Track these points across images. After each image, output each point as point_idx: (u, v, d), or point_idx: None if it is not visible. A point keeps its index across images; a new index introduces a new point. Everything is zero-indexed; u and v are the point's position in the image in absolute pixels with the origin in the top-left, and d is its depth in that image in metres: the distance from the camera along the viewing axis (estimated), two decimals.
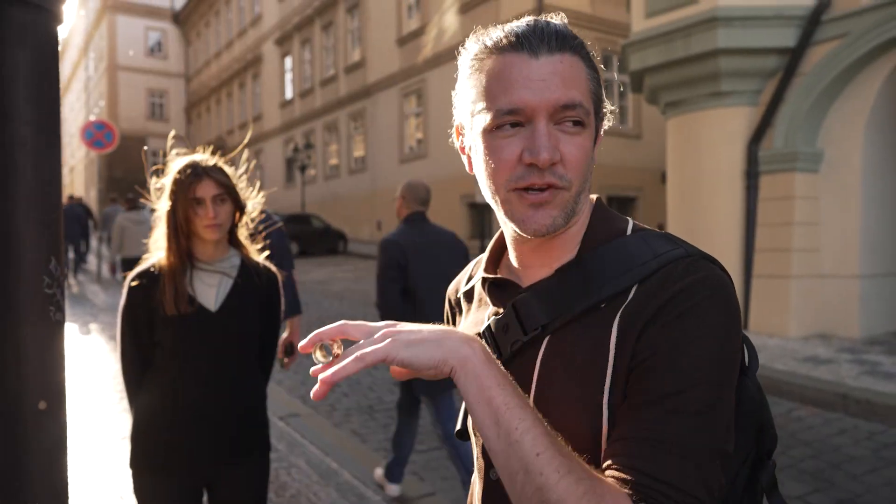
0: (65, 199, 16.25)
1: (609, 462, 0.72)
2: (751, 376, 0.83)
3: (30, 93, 0.70)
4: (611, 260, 0.83)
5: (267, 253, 2.19)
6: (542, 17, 0.85)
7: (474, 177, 0.89)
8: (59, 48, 0.75)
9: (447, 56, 16.47)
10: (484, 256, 1.01)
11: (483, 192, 0.88)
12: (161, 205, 1.95)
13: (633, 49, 8.03)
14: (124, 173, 34.44)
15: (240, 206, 2.01)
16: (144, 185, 2.05)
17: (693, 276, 0.77)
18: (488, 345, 0.89)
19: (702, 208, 7.71)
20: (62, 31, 0.77)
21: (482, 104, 0.82)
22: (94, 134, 12.87)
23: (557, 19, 0.85)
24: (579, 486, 0.66)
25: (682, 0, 7.39)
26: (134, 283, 1.95)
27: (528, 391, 0.82)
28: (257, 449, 2.07)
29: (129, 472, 1.98)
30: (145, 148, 2.61)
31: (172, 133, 2.23)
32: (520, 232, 0.84)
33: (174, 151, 2.01)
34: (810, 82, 6.93)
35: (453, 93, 0.91)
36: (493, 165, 0.82)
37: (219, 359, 1.96)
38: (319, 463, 3.97)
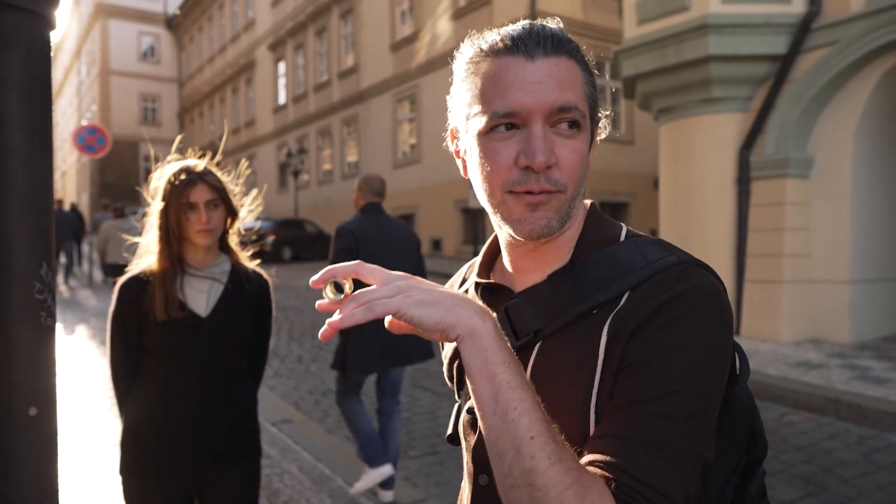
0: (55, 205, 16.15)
1: (592, 458, 0.72)
2: (741, 384, 0.83)
3: (22, 98, 0.70)
4: (604, 266, 0.83)
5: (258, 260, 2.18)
6: (538, 21, 0.85)
7: (468, 182, 0.89)
8: (52, 53, 0.75)
9: (440, 62, 16.50)
10: (477, 260, 1.01)
11: (478, 196, 0.87)
12: (153, 208, 1.95)
13: (625, 55, 8.08)
14: (116, 178, 34.32)
15: (232, 212, 2.01)
16: (136, 189, 2.04)
17: (686, 284, 0.77)
18: None
19: (694, 214, 7.75)
20: (54, 36, 0.77)
21: (477, 107, 0.82)
22: (87, 138, 12.83)
23: (553, 23, 0.85)
24: (568, 475, 0.66)
25: (674, 7, 7.45)
26: (124, 288, 1.94)
27: None
28: (248, 454, 2.06)
29: (119, 478, 1.96)
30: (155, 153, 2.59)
31: (179, 137, 2.22)
32: (514, 235, 0.84)
33: (168, 157, 2.01)
34: (801, 89, 6.98)
35: (448, 97, 0.91)
36: (488, 168, 0.82)
37: (209, 365, 1.95)
38: (312, 469, 3.95)
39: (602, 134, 0.92)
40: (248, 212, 2.09)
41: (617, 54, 8.27)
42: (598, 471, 0.70)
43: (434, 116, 17.21)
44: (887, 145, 7.32)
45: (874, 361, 6.15)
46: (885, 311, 7.39)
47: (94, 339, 8.05)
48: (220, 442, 1.97)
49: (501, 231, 0.89)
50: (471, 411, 0.90)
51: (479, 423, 0.73)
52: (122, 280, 1.96)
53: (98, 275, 13.48)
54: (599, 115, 0.89)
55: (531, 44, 0.80)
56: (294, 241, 18.54)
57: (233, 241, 2.06)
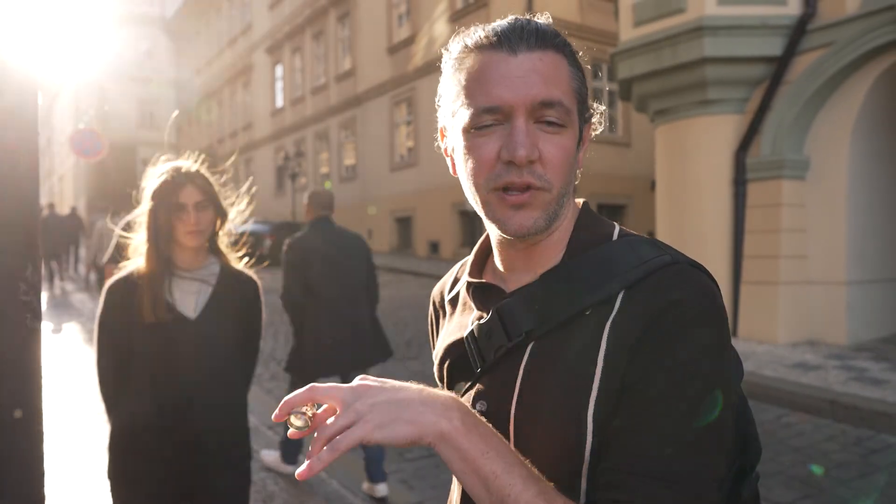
0: (45, 209, 16.08)
1: (610, 496, 0.71)
2: (735, 387, 0.82)
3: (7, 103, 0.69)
4: (596, 265, 0.81)
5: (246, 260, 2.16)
6: (526, 17, 0.84)
7: None
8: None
9: (438, 64, 16.40)
10: (469, 259, 0.99)
11: (466, 194, 0.86)
12: (141, 209, 1.93)
13: (621, 58, 8.08)
14: (114, 182, 34.24)
15: (221, 214, 2.00)
16: (134, 193, 2.03)
17: (682, 291, 0.75)
18: (472, 350, 0.88)
19: (690, 215, 7.75)
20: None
21: (461, 103, 0.81)
22: (84, 142, 12.79)
23: (542, 18, 0.84)
24: None
25: (670, 9, 7.46)
26: (112, 290, 1.93)
27: (510, 397, 0.81)
28: (238, 457, 2.05)
29: (108, 482, 1.94)
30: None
31: (197, 151, 2.20)
32: (502, 233, 0.83)
33: (162, 157, 1.99)
34: (797, 90, 6.99)
35: (437, 96, 0.90)
36: (472, 164, 0.81)
37: (198, 367, 1.93)
38: None
39: (594, 131, 0.91)
40: (238, 213, 2.08)
41: (613, 56, 8.28)
42: None
43: (431, 119, 16.97)
44: (883, 146, 7.33)
45: (871, 362, 6.15)
46: (882, 312, 7.39)
47: (89, 341, 8.02)
48: (210, 445, 1.95)
49: (492, 229, 0.88)
50: None
51: None
52: (109, 282, 1.95)
53: (93, 277, 13.46)
54: (590, 111, 0.87)
55: (515, 38, 0.79)
56: None
57: (222, 242, 2.05)
